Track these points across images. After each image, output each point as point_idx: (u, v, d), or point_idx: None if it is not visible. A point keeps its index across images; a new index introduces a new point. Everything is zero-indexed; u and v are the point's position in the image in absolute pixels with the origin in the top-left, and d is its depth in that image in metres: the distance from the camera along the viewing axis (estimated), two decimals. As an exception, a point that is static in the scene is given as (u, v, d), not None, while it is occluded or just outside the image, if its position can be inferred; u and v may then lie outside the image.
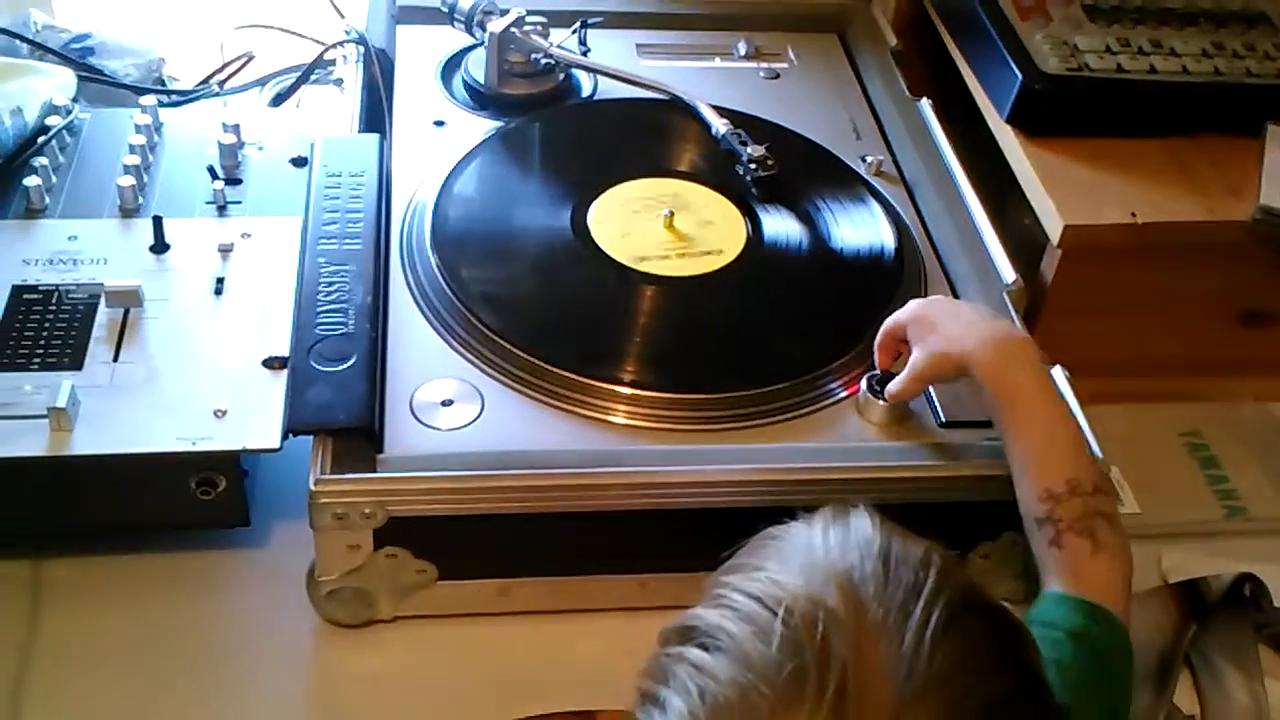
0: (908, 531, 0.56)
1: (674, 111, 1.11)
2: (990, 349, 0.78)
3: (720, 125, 1.06)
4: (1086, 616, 0.69)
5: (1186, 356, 1.02)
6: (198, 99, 1.21)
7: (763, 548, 0.57)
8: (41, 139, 0.98)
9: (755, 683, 0.49)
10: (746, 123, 1.07)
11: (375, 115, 1.07)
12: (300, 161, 1.00)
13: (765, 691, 0.49)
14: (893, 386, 0.83)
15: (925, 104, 1.11)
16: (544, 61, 1.11)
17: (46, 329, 0.83)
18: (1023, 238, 0.99)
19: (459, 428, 0.81)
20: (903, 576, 0.52)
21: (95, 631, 0.80)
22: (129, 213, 0.94)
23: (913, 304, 0.84)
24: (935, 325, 0.81)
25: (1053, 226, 0.95)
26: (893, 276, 0.95)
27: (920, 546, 0.54)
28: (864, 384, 0.85)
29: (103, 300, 0.85)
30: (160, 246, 0.91)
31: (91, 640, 0.80)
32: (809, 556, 0.54)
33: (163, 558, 0.85)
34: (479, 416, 0.81)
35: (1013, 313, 0.91)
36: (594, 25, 1.16)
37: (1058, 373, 0.85)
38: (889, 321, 0.84)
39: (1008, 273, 0.93)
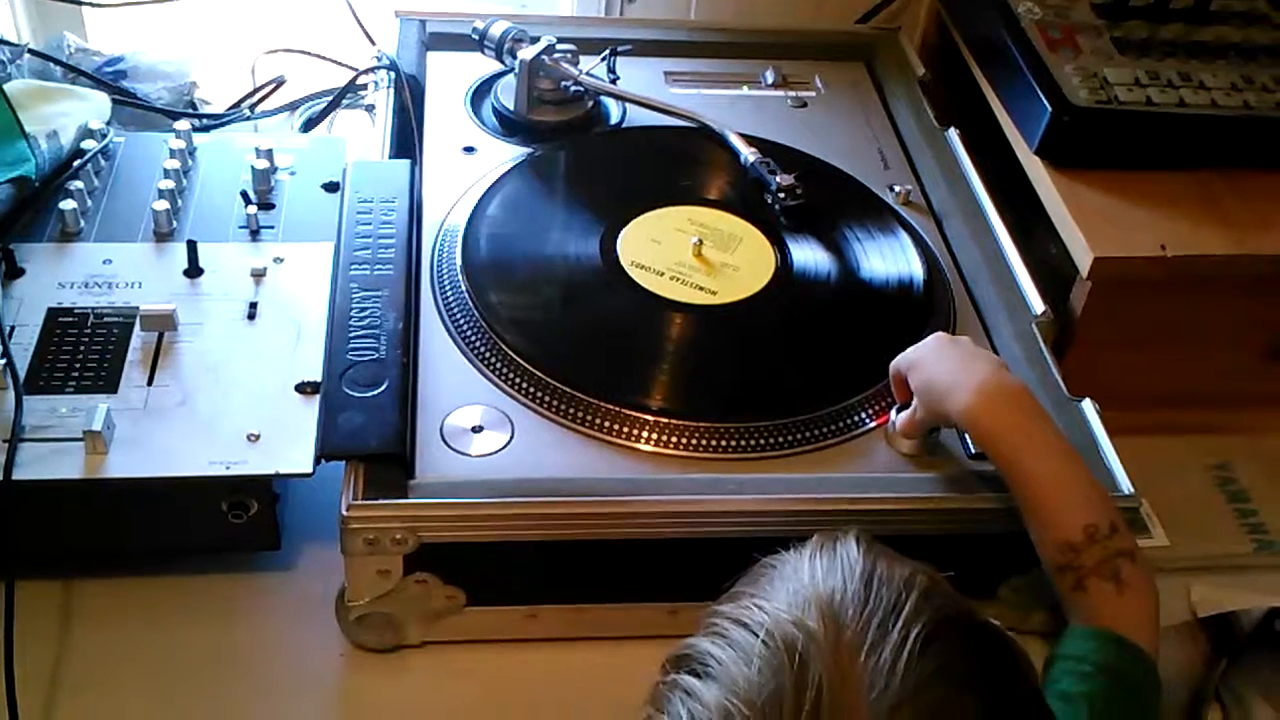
0: (899, 555, 0.56)
1: (702, 139, 1.11)
2: (977, 402, 0.76)
3: (749, 153, 1.06)
4: (1115, 650, 0.69)
5: (1215, 389, 1.02)
6: (229, 123, 1.22)
7: (756, 577, 0.58)
8: (77, 163, 0.98)
9: (739, 705, 0.50)
10: (774, 151, 1.08)
11: (405, 141, 1.07)
12: (332, 187, 1.01)
13: (747, 714, 0.50)
14: (900, 426, 0.83)
15: (953, 134, 1.11)
16: (573, 89, 1.12)
17: (81, 352, 0.84)
18: (1048, 267, 0.99)
19: (489, 454, 0.81)
20: (884, 597, 0.53)
21: (125, 652, 0.81)
22: (163, 237, 0.95)
23: (911, 350, 0.83)
24: (925, 373, 0.81)
25: (1082, 259, 0.94)
26: (922, 307, 0.95)
27: (907, 568, 0.55)
28: (893, 414, 0.85)
29: (137, 324, 0.86)
30: (194, 271, 0.91)
31: (121, 661, 0.80)
32: (795, 582, 0.55)
33: (192, 580, 0.85)
34: (509, 443, 0.82)
35: (1041, 344, 0.91)
36: (623, 53, 1.17)
37: (1087, 406, 0.85)
38: (891, 366, 0.84)
39: (1036, 304, 0.94)
